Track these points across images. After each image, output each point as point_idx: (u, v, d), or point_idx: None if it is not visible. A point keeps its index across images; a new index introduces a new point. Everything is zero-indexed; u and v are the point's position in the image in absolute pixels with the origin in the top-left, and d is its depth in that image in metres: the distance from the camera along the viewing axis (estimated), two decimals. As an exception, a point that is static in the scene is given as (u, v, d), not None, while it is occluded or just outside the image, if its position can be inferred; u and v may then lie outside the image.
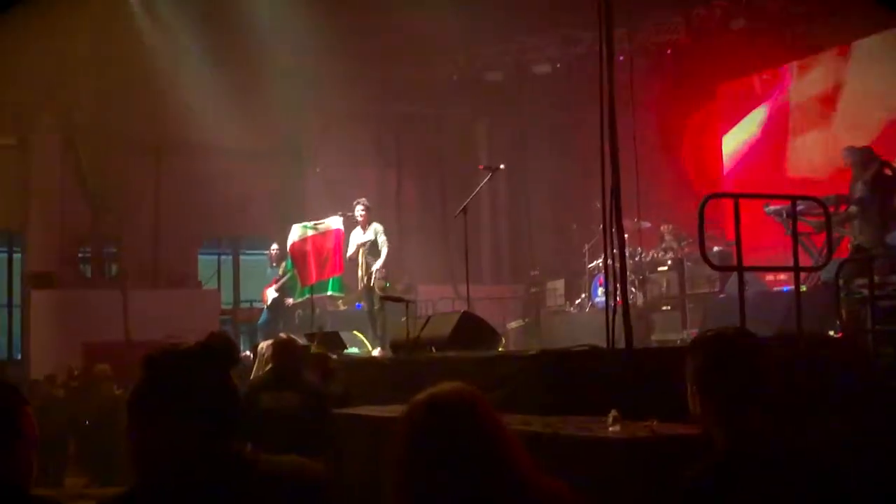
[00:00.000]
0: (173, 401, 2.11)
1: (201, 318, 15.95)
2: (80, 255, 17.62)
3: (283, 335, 7.68)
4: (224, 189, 17.32)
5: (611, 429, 4.32)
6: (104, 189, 17.13)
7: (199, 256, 18.87)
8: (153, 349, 2.20)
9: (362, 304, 11.92)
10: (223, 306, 17.90)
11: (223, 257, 19.55)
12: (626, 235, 6.75)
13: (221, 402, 2.16)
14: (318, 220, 12.34)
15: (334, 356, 9.22)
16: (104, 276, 17.53)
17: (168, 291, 16.91)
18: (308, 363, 7.62)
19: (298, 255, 12.35)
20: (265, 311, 14.07)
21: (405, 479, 2.02)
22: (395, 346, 8.89)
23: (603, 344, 6.01)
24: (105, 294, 16.28)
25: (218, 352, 2.21)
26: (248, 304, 18.27)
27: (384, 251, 11.17)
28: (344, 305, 14.66)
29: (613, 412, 4.45)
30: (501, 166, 10.15)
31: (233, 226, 18.34)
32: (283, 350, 6.83)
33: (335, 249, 11.92)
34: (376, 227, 11.33)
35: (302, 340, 9.08)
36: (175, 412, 2.10)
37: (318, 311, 12.62)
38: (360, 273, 11.37)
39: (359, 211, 11.37)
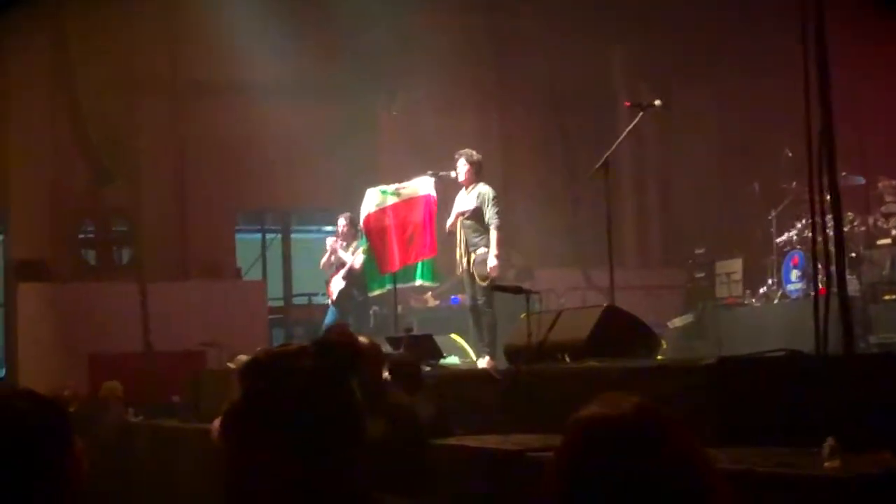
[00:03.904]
0: (287, 425, 2.16)
1: (242, 319, 16.37)
2: (80, 236, 18.20)
3: (362, 339, 7.77)
4: (270, 144, 17.65)
5: (827, 464, 4.28)
6: (111, 147, 17.53)
7: (238, 236, 19.30)
8: (252, 357, 2.22)
9: (460, 297, 11.99)
10: (271, 302, 18.24)
11: (270, 237, 19.93)
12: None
13: (347, 426, 2.23)
14: (400, 182, 12.41)
15: (426, 367, 9.27)
16: (113, 264, 18.00)
17: (198, 283, 17.33)
18: (394, 377, 7.71)
19: (376, 232, 12.45)
20: (330, 308, 14.25)
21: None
22: (511, 354, 8.90)
23: (803, 348, 5.94)
24: (115, 288, 16.73)
25: (338, 354, 2.28)
26: (304, 300, 18.56)
27: (493, 226, 11.02)
28: (436, 300, 14.76)
29: (829, 441, 4.41)
30: (657, 102, 10.05)
31: (282, 194, 18.61)
32: (363, 361, 6.92)
33: (425, 223, 11.97)
34: (483, 190, 11.21)
35: (385, 347, 9.18)
36: (290, 438, 2.16)
37: (401, 307, 12.73)
38: (458, 253, 11.35)
39: (461, 166, 11.31)
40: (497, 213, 11.05)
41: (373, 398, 6.77)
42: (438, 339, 11.00)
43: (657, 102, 10.11)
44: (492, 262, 10.91)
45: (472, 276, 11.22)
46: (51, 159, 17.46)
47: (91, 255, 18.12)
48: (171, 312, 16.13)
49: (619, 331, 8.03)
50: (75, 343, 15.84)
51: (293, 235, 19.88)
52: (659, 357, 8.66)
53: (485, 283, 11.01)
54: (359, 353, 2.29)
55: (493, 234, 10.98)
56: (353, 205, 13.38)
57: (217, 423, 9.52)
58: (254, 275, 19.02)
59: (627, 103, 10.78)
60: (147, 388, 13.87)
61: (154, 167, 17.93)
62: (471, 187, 11.26)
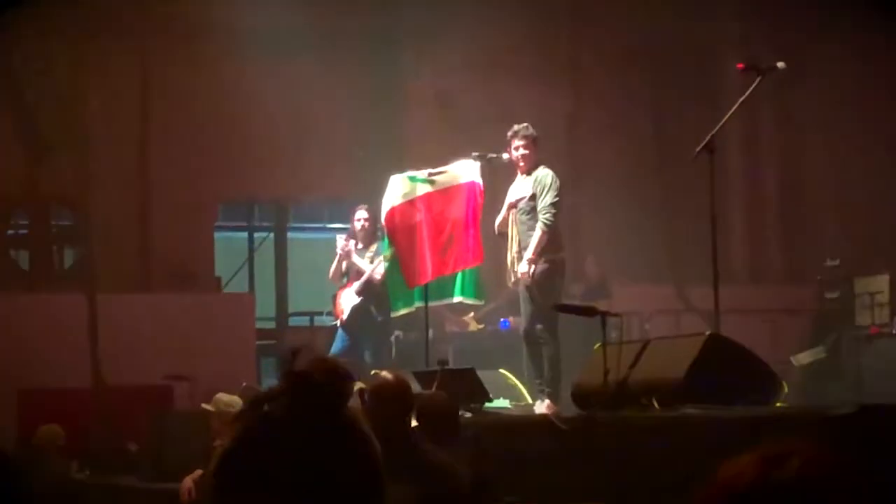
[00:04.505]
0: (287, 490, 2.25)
1: (222, 344, 16.37)
2: (9, 232, 18.32)
3: (385, 375, 7.77)
4: (261, 114, 17.69)
5: None
6: (53, 111, 17.57)
7: (218, 235, 19.36)
8: (244, 394, 2.30)
9: (511, 321, 11.96)
10: (260, 323, 18.25)
11: (259, 236, 19.99)
12: None
13: (362, 492, 2.32)
14: (434, 167, 12.42)
15: (466, 413, 9.25)
16: (53, 269, 18.06)
17: (164, 296, 17.36)
18: (423, 425, 7.71)
19: (402, 232, 12.46)
20: (339, 331, 14.26)
21: None
22: (581, 397, 8.94)
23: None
24: (55, 301, 16.74)
25: (327, 389, 2.31)
26: (305, 321, 18.57)
27: (542, 220, 11.01)
28: (480, 323, 14.74)
29: None
30: (779, 64, 10.03)
31: (276, 180, 18.65)
32: (384, 404, 6.90)
33: (468, 220, 11.96)
34: (541, 174, 11.29)
35: (412, 385, 9.17)
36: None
37: (434, 332, 12.71)
38: (510, 260, 11.36)
39: (517, 146, 11.34)
40: (553, 204, 11.07)
41: (397, 454, 6.76)
42: (483, 375, 10.98)
43: (780, 65, 10.10)
44: (522, 266, 11.01)
45: (528, 291, 11.21)
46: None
47: (22, 257, 18.20)
48: (128, 334, 16.14)
49: (725, 368, 8.06)
50: (1, 374, 15.86)
51: (290, 234, 19.91)
52: (779, 403, 8.59)
53: (539, 299, 11.02)
54: (343, 396, 2.36)
55: (538, 231, 11.03)
56: (372, 195, 13.39)
57: (188, 482, 9.61)
58: (238, 286, 19.07)
59: (741, 65, 10.77)
60: (95, 433, 13.90)
61: (109, 140, 17.85)
62: (529, 172, 11.28)
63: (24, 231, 18.32)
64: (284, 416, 2.33)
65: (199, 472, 9.54)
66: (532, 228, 11.13)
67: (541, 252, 11.00)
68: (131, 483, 11.45)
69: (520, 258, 11.16)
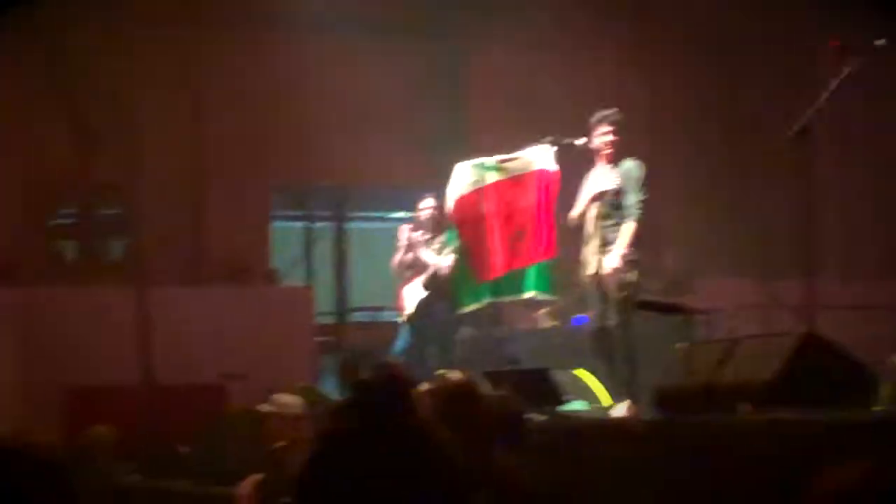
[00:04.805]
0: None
1: (280, 340, 16.40)
2: (55, 222, 18.48)
3: (452, 375, 7.74)
4: (317, 99, 17.76)
5: None
6: (101, 100, 17.68)
7: (274, 225, 19.51)
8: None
9: (588, 317, 11.90)
10: (319, 318, 18.29)
11: (318, 226, 20.06)
12: None
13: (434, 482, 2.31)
14: (503, 153, 12.40)
15: (539, 416, 9.22)
16: (100, 260, 18.18)
17: (218, 290, 17.49)
18: (493, 430, 7.66)
19: (469, 223, 12.48)
20: (403, 328, 14.26)
21: None
22: (664, 400, 8.92)
23: None
24: (103, 294, 16.82)
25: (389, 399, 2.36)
26: (367, 316, 18.58)
27: (632, 217, 10.97)
28: (554, 319, 14.70)
29: None
30: (878, 42, 9.94)
31: (334, 169, 18.68)
32: (450, 407, 6.86)
33: (541, 210, 11.96)
34: (630, 166, 11.20)
35: (482, 386, 9.15)
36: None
37: (504, 329, 12.70)
38: (587, 253, 11.31)
39: (605, 132, 11.25)
40: (644, 202, 11.07)
41: (475, 464, 6.70)
42: (557, 376, 10.96)
43: (879, 42, 10.00)
44: (613, 260, 10.97)
45: (605, 287, 11.17)
46: (23, 121, 17.65)
47: (71, 248, 18.36)
48: (179, 330, 16.15)
49: (821, 368, 7.99)
50: (46, 371, 15.95)
51: (353, 225, 20.10)
52: (878, 406, 8.52)
53: (622, 296, 10.96)
54: (406, 404, 2.39)
55: (629, 227, 11.02)
56: (437, 184, 13.38)
57: (246, 486, 9.61)
58: (295, 279, 19.16)
59: (834, 42, 10.66)
60: (145, 435, 13.93)
61: (159, 128, 17.96)
62: (615, 163, 11.21)
63: (71, 221, 18.43)
64: (354, 428, 2.37)
65: (257, 476, 9.55)
66: (617, 223, 11.10)
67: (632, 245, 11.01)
68: (185, 487, 11.46)
69: (603, 254, 11.12)
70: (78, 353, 15.89)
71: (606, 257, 11.04)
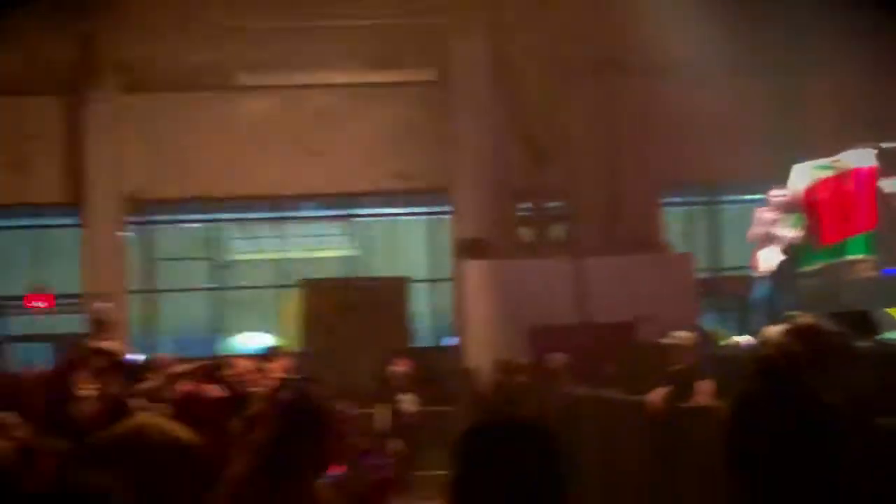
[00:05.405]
0: None
1: (671, 291, 16.36)
2: (518, 215, 18.95)
3: (803, 318, 7.59)
4: (696, 121, 17.63)
5: None
6: (546, 130, 18.14)
7: (665, 210, 19.64)
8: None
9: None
10: (698, 275, 18.21)
11: (694, 209, 20.10)
12: None
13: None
14: (833, 157, 12.06)
15: (862, 343, 8.94)
16: (548, 240, 18.58)
17: (628, 258, 17.49)
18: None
19: (811, 206, 12.20)
20: (760, 281, 13.99)
21: None
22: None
23: None
24: (550, 263, 17.19)
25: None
26: (735, 272, 18.36)
27: None
28: (870, 270, 14.15)
29: None
30: None
31: (708, 167, 18.55)
32: (804, 343, 6.70)
33: (862, 194, 11.56)
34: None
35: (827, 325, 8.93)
36: None
37: (833, 281, 12.31)
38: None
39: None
40: None
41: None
42: (876, 314, 10.58)
43: None
44: None
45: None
46: (491, 145, 18.29)
47: (528, 233, 18.77)
48: (601, 286, 16.33)
49: None
50: (515, 316, 16.47)
51: (721, 207, 20.05)
52: None
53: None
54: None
55: None
56: (781, 178, 13.10)
57: (654, 395, 9.64)
58: (681, 248, 19.17)
59: None
60: (583, 359, 14.14)
61: (586, 147, 18.41)
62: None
63: (528, 214, 18.89)
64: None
65: (663, 389, 9.59)
66: None
67: None
68: (613, 395, 11.56)
69: None
70: (537, 303, 16.33)
71: None
